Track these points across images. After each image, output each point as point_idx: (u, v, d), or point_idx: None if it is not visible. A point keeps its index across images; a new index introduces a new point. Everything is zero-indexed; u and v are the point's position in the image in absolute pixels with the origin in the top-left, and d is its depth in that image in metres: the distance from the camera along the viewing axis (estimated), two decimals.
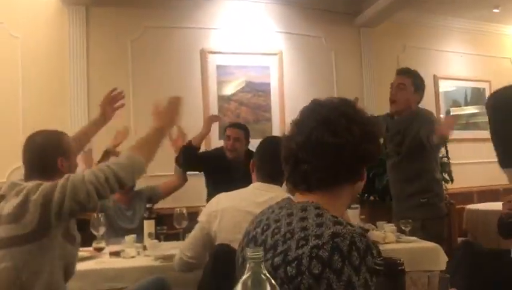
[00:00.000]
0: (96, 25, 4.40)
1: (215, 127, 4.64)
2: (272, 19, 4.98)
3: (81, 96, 4.27)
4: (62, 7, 4.31)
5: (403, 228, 2.79)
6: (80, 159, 3.32)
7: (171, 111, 2.14)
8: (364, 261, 1.00)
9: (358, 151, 1.16)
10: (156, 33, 4.56)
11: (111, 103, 2.60)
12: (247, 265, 0.77)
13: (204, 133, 3.72)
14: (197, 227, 2.13)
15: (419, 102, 3.17)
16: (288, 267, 1.04)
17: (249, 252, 0.76)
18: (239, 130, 3.60)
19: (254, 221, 1.28)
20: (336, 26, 5.16)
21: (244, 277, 0.76)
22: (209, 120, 3.81)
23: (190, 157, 3.60)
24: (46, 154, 1.83)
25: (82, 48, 4.32)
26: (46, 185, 1.65)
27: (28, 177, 1.79)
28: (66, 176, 1.68)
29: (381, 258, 0.70)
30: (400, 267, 0.69)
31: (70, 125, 4.19)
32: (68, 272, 1.81)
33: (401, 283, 0.68)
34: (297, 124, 1.23)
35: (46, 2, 4.30)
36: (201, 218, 2.12)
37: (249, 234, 1.25)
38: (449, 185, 4.47)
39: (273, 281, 0.76)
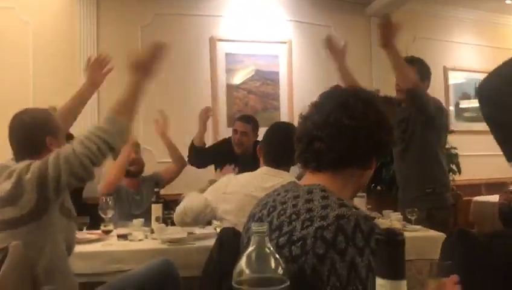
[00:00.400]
0: (107, 10, 4.42)
1: (223, 114, 4.67)
2: (281, 7, 4.97)
3: None
4: None
5: (409, 217, 2.80)
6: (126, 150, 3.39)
7: (149, 60, 1.93)
8: (368, 243, 1.01)
9: (373, 137, 1.20)
10: (166, 20, 4.57)
11: (98, 69, 2.54)
12: (252, 239, 0.78)
13: (202, 131, 3.75)
14: (202, 201, 2.19)
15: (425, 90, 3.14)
16: (293, 247, 1.06)
17: (254, 227, 0.78)
18: (246, 124, 3.58)
19: (260, 203, 1.30)
20: (345, 15, 5.13)
21: (248, 250, 0.78)
22: (201, 117, 3.79)
23: (198, 157, 3.70)
24: (34, 133, 1.81)
25: (92, 33, 4.34)
26: (37, 163, 1.65)
27: (18, 157, 1.79)
28: (54, 151, 1.68)
29: (384, 228, 0.72)
30: (400, 237, 0.71)
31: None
32: (69, 245, 1.84)
33: (401, 252, 0.70)
34: (316, 105, 1.26)
35: None
36: (209, 197, 2.16)
37: (255, 215, 1.28)
38: (457, 177, 4.47)
39: (276, 255, 0.78)
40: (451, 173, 4.35)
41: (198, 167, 3.77)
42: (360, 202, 3.01)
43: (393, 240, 0.70)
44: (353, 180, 1.24)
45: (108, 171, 3.37)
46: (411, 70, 2.92)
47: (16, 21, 4.17)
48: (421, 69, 3.12)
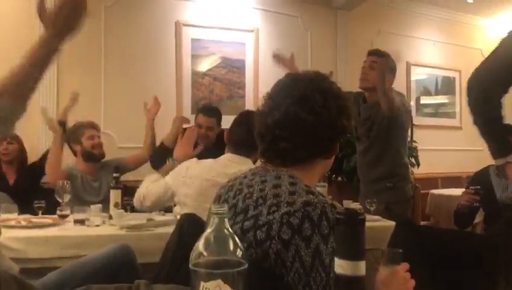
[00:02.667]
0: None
1: (187, 101, 4.61)
2: None
3: None
4: None
5: (368, 207, 2.84)
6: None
7: (68, 10, 1.34)
8: (333, 231, 1.01)
9: (335, 127, 1.19)
10: (131, 2, 4.45)
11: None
12: (211, 220, 0.77)
13: (174, 133, 3.60)
14: (162, 185, 2.17)
15: (390, 85, 3.17)
16: (258, 231, 1.05)
17: (213, 208, 0.76)
18: (212, 118, 3.46)
19: (226, 185, 1.29)
20: (312, 6, 5.15)
21: (206, 232, 0.76)
22: (178, 121, 3.57)
23: (164, 159, 3.52)
24: None
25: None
26: None
27: None
28: None
29: (343, 208, 0.72)
30: (360, 217, 0.70)
31: (38, 94, 4.08)
32: None
33: (361, 232, 0.69)
34: (272, 97, 1.23)
35: None
36: (169, 180, 2.14)
37: (220, 197, 1.26)
38: (415, 170, 4.58)
39: (236, 238, 0.77)
40: (410, 166, 4.46)
41: (158, 167, 3.61)
42: (321, 192, 3.02)
43: (353, 219, 0.70)
44: (318, 168, 1.24)
45: (47, 168, 3.16)
46: (394, 98, 2.92)
47: None
48: (388, 62, 3.10)
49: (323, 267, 0.99)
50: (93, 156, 3.30)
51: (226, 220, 0.76)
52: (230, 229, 0.77)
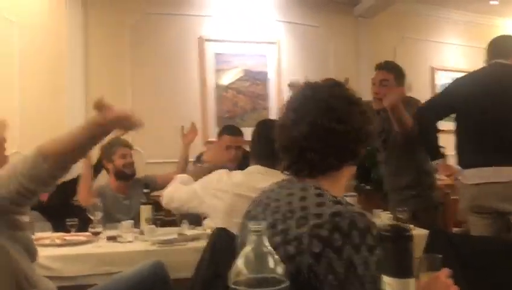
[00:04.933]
0: (95, 9, 4.38)
1: (212, 115, 4.64)
2: (270, 8, 4.96)
3: (78, 79, 4.26)
4: None
5: (399, 216, 2.80)
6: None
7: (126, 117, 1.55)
8: (364, 240, 1.00)
9: (361, 134, 1.20)
10: (155, 19, 4.54)
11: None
12: (249, 238, 0.77)
13: (185, 157, 3.58)
14: (191, 193, 2.19)
15: (403, 95, 3.10)
16: (287, 247, 1.04)
17: (251, 225, 0.77)
18: (239, 137, 3.40)
19: (254, 201, 1.29)
20: (334, 15, 5.15)
21: (246, 250, 0.76)
22: (186, 140, 3.57)
23: None
24: None
25: (80, 32, 4.29)
26: None
27: None
28: None
29: (388, 224, 0.71)
30: (406, 233, 0.69)
31: (67, 109, 4.19)
32: (30, 252, 1.71)
33: (409, 249, 0.68)
34: (293, 109, 1.21)
35: None
36: (199, 189, 2.15)
37: (249, 213, 1.26)
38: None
39: (275, 255, 0.77)
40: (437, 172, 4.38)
41: None
42: (351, 201, 3.00)
43: (400, 236, 0.69)
44: (345, 176, 1.24)
45: (79, 191, 3.25)
46: (407, 116, 2.87)
47: (1, 20, 4.11)
48: (398, 75, 3.07)
49: (357, 277, 0.98)
50: (124, 175, 3.35)
51: (264, 237, 0.77)
52: (269, 247, 0.77)
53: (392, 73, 3.04)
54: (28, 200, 1.49)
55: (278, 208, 1.14)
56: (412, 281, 0.69)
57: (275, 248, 1.04)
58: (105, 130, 1.51)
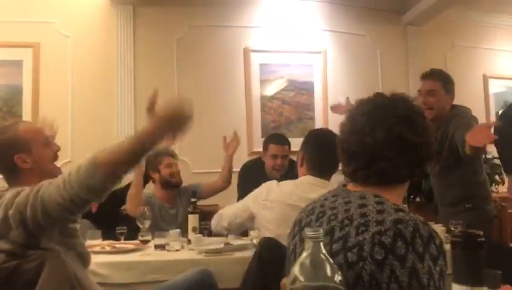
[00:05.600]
0: (143, 24, 4.50)
1: (257, 125, 4.64)
2: (316, 17, 4.94)
3: (128, 94, 4.37)
4: (111, 6, 4.43)
5: (453, 229, 2.69)
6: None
7: (176, 114, 1.53)
8: (427, 248, 0.98)
9: (432, 150, 1.21)
10: (201, 32, 4.61)
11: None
12: (306, 245, 0.74)
13: (228, 167, 3.54)
14: (241, 206, 2.16)
15: (451, 103, 2.97)
16: (348, 253, 1.02)
17: (308, 232, 0.74)
18: (285, 146, 3.38)
19: (306, 209, 1.26)
20: (381, 24, 5.06)
21: (302, 257, 0.74)
22: (229, 150, 3.52)
23: None
24: (0, 156, 1.67)
25: (129, 46, 4.42)
26: (21, 197, 1.50)
27: (6, 182, 1.70)
28: (37, 186, 1.51)
29: (460, 230, 0.66)
30: (478, 239, 0.64)
31: (117, 122, 4.30)
32: (83, 258, 1.76)
33: (479, 256, 0.64)
34: (366, 115, 1.19)
35: (95, 1, 4.42)
36: (249, 201, 2.13)
37: (301, 222, 1.23)
38: (501, 188, 4.30)
39: (331, 261, 0.74)
40: (494, 184, 4.19)
41: None
42: None
43: (472, 242, 0.64)
44: (402, 189, 1.23)
45: (128, 200, 3.27)
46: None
47: (56, 35, 4.29)
48: (445, 82, 2.95)
49: (422, 286, 0.95)
50: (171, 184, 3.38)
51: (321, 244, 0.74)
52: (326, 254, 0.74)
53: (438, 81, 2.93)
54: (80, 209, 1.51)
55: (336, 215, 1.11)
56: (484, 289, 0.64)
57: (334, 255, 1.03)
58: (155, 138, 1.50)
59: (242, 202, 2.23)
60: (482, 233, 0.66)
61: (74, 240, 1.74)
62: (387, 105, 1.20)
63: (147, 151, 1.51)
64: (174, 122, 1.51)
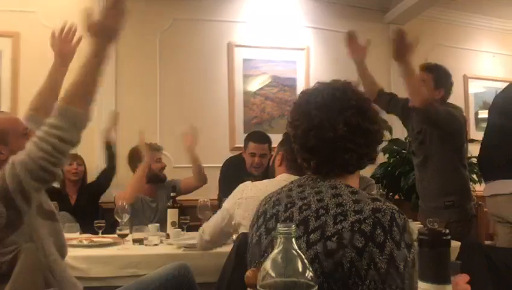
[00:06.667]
0: (126, 15, 4.44)
1: (239, 120, 4.64)
2: (299, 14, 4.94)
3: (108, 85, 4.31)
4: None
5: (430, 226, 2.72)
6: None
7: (110, 19, 1.68)
8: (403, 236, 1.03)
9: (382, 135, 1.26)
10: (184, 25, 4.57)
11: (66, 42, 2.26)
12: (278, 241, 0.75)
13: (194, 162, 3.54)
14: (219, 212, 2.14)
15: (443, 99, 3.03)
16: (328, 242, 1.04)
17: (281, 228, 0.74)
18: (264, 144, 3.37)
19: (268, 201, 1.27)
20: (364, 22, 5.08)
21: (274, 253, 0.74)
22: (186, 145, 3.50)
23: None
24: None
25: None
26: None
27: None
28: (9, 161, 1.55)
29: (426, 228, 0.68)
30: (444, 237, 0.66)
31: (98, 115, 4.24)
32: (60, 248, 1.77)
33: (447, 253, 0.65)
34: (322, 110, 1.19)
35: None
36: (226, 205, 2.13)
37: (266, 213, 1.23)
38: (477, 187, 4.37)
39: (304, 259, 0.74)
40: (472, 183, 4.26)
41: None
42: None
43: (438, 240, 0.66)
44: (358, 174, 1.28)
45: (127, 186, 3.33)
46: (423, 86, 2.79)
47: (37, 25, 4.21)
48: (437, 76, 3.01)
49: (398, 273, 0.99)
50: (159, 179, 3.42)
51: (293, 240, 0.74)
52: (298, 250, 0.74)
53: (429, 73, 2.99)
54: (62, 158, 1.55)
55: (308, 205, 1.13)
56: (449, 288, 0.66)
57: (311, 245, 1.05)
58: (100, 50, 1.65)
59: (220, 209, 2.21)
60: (448, 231, 0.67)
61: (52, 223, 1.75)
62: (340, 97, 1.21)
63: (99, 64, 1.65)
64: (111, 24, 1.67)
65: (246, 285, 1.04)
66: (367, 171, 4.06)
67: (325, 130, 1.17)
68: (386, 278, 0.99)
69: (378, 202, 1.07)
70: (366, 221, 1.03)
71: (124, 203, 2.73)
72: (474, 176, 4.30)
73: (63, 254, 1.79)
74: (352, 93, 1.22)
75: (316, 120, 1.19)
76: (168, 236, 2.71)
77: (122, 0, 1.69)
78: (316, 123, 1.19)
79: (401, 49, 2.67)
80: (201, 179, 3.60)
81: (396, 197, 4.33)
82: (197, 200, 2.96)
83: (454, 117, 2.90)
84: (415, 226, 2.80)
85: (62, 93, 1.63)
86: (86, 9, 1.63)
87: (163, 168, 3.50)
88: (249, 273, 1.05)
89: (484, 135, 3.03)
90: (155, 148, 3.52)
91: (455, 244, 2.58)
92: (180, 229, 2.76)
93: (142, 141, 3.45)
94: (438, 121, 2.79)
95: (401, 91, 4.99)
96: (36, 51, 4.22)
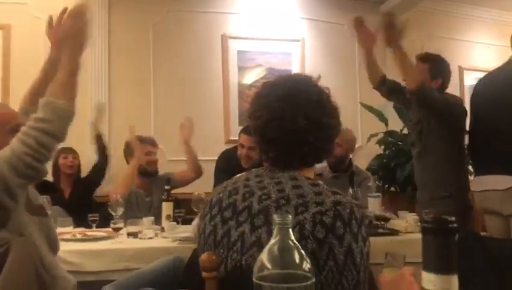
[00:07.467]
0: (119, 7, 4.40)
1: (234, 112, 4.60)
2: (294, 5, 4.91)
3: (102, 78, 4.27)
4: None
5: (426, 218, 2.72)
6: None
7: (74, 21, 1.68)
8: (360, 230, 1.07)
9: (339, 128, 1.28)
10: (178, 17, 4.54)
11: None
12: (274, 231, 0.72)
13: (189, 154, 3.52)
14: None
15: (441, 89, 2.99)
16: None
17: (277, 218, 0.72)
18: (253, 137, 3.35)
19: (223, 190, 1.26)
20: (359, 13, 5.00)
21: (270, 244, 0.72)
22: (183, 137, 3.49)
23: None
24: None
25: (104, 30, 4.32)
26: None
27: None
28: None
29: (432, 215, 0.65)
30: (450, 225, 0.63)
31: (91, 107, 4.20)
32: (52, 243, 1.74)
33: (453, 242, 0.62)
34: (285, 102, 1.20)
35: None
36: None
37: (221, 202, 1.22)
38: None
39: (301, 250, 0.72)
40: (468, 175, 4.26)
41: None
42: (375, 202, 2.94)
43: (444, 229, 0.63)
44: (314, 168, 1.29)
45: (119, 178, 3.30)
46: (415, 70, 2.79)
47: (28, 17, 4.16)
48: (433, 67, 2.99)
49: (354, 265, 1.03)
50: (146, 173, 3.38)
51: (290, 231, 0.72)
52: (295, 241, 0.72)
53: (426, 63, 2.97)
54: (47, 154, 1.52)
55: (268, 195, 1.13)
56: (455, 278, 0.63)
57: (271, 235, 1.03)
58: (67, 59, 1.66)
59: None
60: (454, 219, 0.64)
61: (42, 218, 1.71)
62: (302, 90, 1.22)
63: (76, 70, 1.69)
64: (75, 26, 1.63)
65: (201, 268, 1.06)
66: (362, 163, 4.05)
67: (286, 122, 1.18)
68: (343, 269, 1.03)
69: (338, 195, 1.10)
70: (328, 213, 1.05)
71: (118, 197, 2.71)
72: (470, 168, 4.29)
73: (55, 249, 1.76)
74: (314, 88, 1.24)
75: (277, 112, 1.19)
76: (163, 229, 2.69)
77: (83, 12, 1.66)
78: (276, 115, 1.19)
79: (391, 33, 2.66)
80: (196, 170, 3.57)
81: (392, 189, 4.31)
82: (192, 193, 2.94)
83: (452, 104, 2.91)
84: (411, 217, 2.79)
85: (49, 87, 1.62)
86: (49, 16, 1.69)
87: (153, 161, 3.44)
88: (204, 256, 1.06)
89: (472, 126, 2.98)
90: (144, 141, 3.47)
91: None
92: (175, 223, 2.74)
93: (133, 135, 3.41)
94: (435, 104, 2.78)
95: (396, 79, 4.97)
96: (27, 43, 4.17)
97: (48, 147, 1.52)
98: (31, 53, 4.15)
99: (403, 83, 2.98)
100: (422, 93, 2.74)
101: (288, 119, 1.18)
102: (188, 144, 3.50)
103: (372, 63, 3.13)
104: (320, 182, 1.17)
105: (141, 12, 4.46)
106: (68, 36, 1.64)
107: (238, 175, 1.67)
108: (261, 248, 1.04)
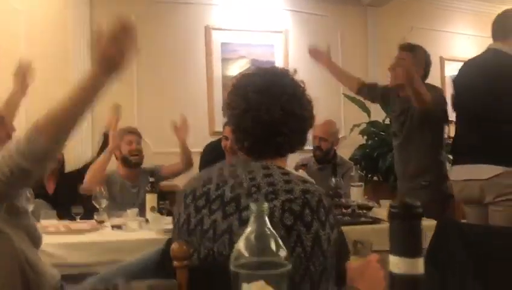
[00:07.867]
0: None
1: (218, 104, 4.61)
2: None
3: (83, 69, 4.23)
4: None
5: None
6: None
7: (121, 38, 1.30)
8: (328, 218, 1.10)
9: (313, 120, 1.32)
10: (161, 8, 4.51)
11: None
12: (251, 219, 0.74)
13: (183, 151, 3.47)
14: None
15: (421, 79, 3.05)
16: None
17: (253, 206, 0.74)
18: None
19: (197, 179, 1.29)
20: (342, 4, 5.08)
21: (247, 232, 0.74)
22: (179, 136, 3.45)
23: None
24: None
25: (86, 21, 4.28)
26: None
27: None
28: None
29: (398, 201, 0.68)
30: (416, 210, 0.66)
31: None
32: (34, 238, 1.71)
33: (418, 227, 0.65)
34: (261, 93, 1.23)
35: None
36: None
37: (195, 191, 1.24)
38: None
39: (278, 237, 0.74)
40: (448, 164, 4.32)
41: None
42: (358, 192, 2.99)
43: (410, 213, 0.66)
44: (287, 158, 1.33)
45: (89, 170, 3.20)
46: (425, 89, 2.82)
47: (8, 9, 4.10)
48: (416, 56, 3.02)
49: (322, 251, 1.07)
50: (129, 162, 3.32)
51: (266, 218, 0.74)
52: (272, 229, 0.74)
53: (409, 52, 3.01)
54: (22, 182, 1.39)
55: (240, 184, 1.16)
56: (420, 261, 0.66)
57: (244, 222, 1.06)
58: (98, 80, 1.32)
59: None
60: (419, 204, 0.67)
61: (24, 220, 1.69)
62: (278, 83, 1.26)
63: (90, 98, 1.32)
64: (115, 51, 1.29)
65: (172, 258, 1.08)
66: (345, 153, 4.09)
67: (262, 112, 1.21)
68: (310, 256, 1.06)
69: (307, 184, 1.14)
70: (296, 201, 1.09)
71: (102, 189, 2.70)
72: (451, 157, 4.36)
73: (37, 243, 1.75)
74: (290, 80, 1.28)
75: (253, 103, 1.23)
76: (147, 221, 2.69)
77: (131, 26, 1.32)
78: (253, 106, 1.23)
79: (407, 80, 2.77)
80: (188, 164, 3.56)
81: (375, 178, 4.37)
82: (177, 186, 2.95)
83: (442, 97, 3.03)
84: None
85: (44, 114, 1.31)
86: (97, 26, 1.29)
87: (133, 150, 3.37)
88: (174, 245, 1.09)
89: (457, 116, 3.04)
90: (126, 130, 3.43)
91: (431, 223, 2.64)
92: (159, 214, 2.74)
93: (111, 125, 3.34)
94: (435, 112, 2.89)
95: (377, 72, 5.04)
96: (7, 34, 4.12)
97: (20, 180, 1.37)
98: (11, 46, 4.11)
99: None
100: (429, 111, 2.83)
101: (264, 111, 1.21)
102: (184, 143, 3.45)
103: (339, 74, 3.24)
104: (291, 170, 1.21)
105: (124, 4, 4.42)
106: (104, 53, 1.32)
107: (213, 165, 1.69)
108: (232, 235, 1.09)
